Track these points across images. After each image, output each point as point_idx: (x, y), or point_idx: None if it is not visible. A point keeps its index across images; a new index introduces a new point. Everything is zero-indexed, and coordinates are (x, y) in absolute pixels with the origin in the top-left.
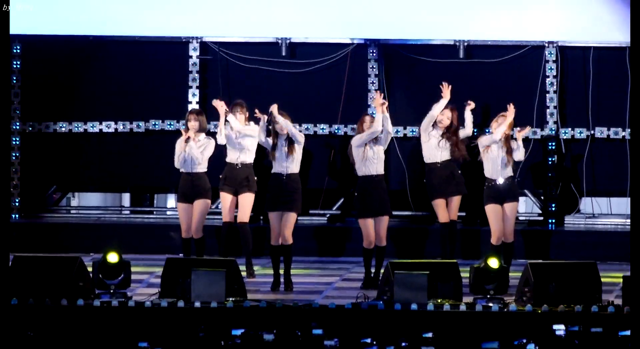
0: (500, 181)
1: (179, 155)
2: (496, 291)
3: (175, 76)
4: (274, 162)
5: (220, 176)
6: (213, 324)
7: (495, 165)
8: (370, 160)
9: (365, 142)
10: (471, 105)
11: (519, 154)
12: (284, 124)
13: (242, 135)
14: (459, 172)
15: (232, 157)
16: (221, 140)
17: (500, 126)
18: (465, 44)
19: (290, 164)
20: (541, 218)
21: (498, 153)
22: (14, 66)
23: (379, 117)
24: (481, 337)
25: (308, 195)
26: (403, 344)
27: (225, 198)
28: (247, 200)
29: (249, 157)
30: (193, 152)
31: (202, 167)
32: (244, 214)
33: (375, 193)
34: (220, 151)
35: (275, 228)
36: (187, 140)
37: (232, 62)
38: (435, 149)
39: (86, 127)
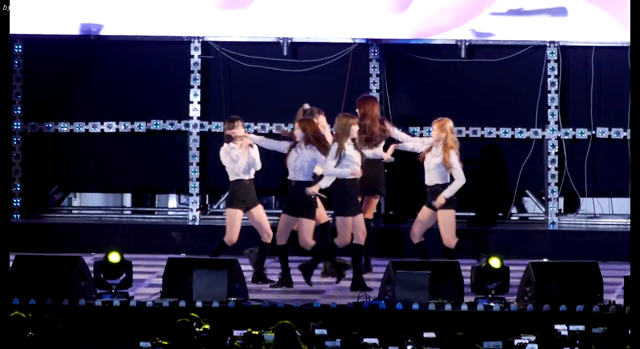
0: (428, 188)
1: (242, 161)
2: (497, 291)
3: (176, 76)
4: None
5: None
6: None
7: (426, 172)
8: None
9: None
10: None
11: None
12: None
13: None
14: (384, 172)
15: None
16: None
17: (405, 144)
18: (467, 43)
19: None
20: (542, 218)
21: (428, 160)
22: (16, 66)
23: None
24: (483, 337)
25: None
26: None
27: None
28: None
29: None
30: (255, 156)
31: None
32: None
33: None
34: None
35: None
36: (251, 145)
37: (234, 62)
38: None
39: (87, 127)
